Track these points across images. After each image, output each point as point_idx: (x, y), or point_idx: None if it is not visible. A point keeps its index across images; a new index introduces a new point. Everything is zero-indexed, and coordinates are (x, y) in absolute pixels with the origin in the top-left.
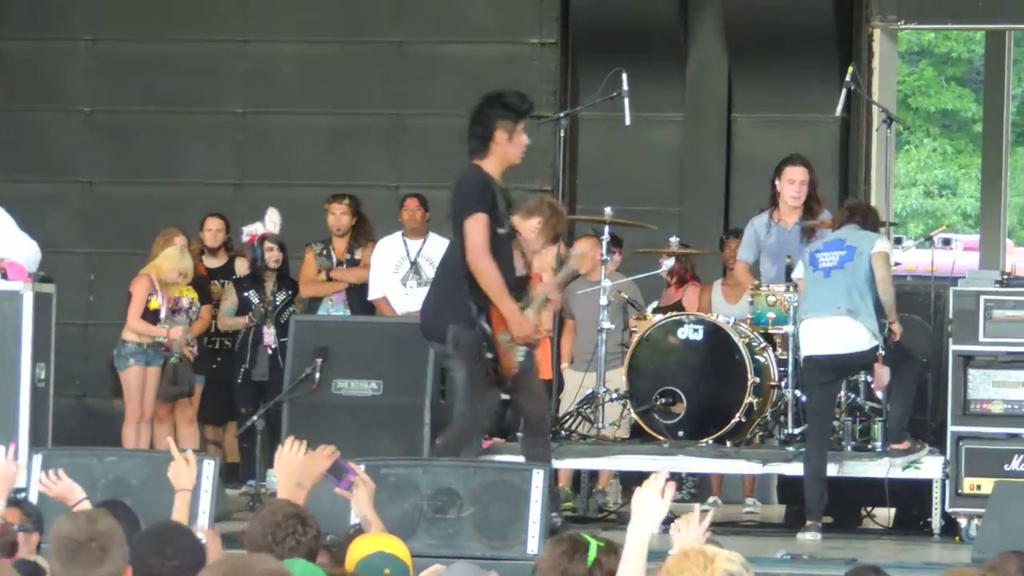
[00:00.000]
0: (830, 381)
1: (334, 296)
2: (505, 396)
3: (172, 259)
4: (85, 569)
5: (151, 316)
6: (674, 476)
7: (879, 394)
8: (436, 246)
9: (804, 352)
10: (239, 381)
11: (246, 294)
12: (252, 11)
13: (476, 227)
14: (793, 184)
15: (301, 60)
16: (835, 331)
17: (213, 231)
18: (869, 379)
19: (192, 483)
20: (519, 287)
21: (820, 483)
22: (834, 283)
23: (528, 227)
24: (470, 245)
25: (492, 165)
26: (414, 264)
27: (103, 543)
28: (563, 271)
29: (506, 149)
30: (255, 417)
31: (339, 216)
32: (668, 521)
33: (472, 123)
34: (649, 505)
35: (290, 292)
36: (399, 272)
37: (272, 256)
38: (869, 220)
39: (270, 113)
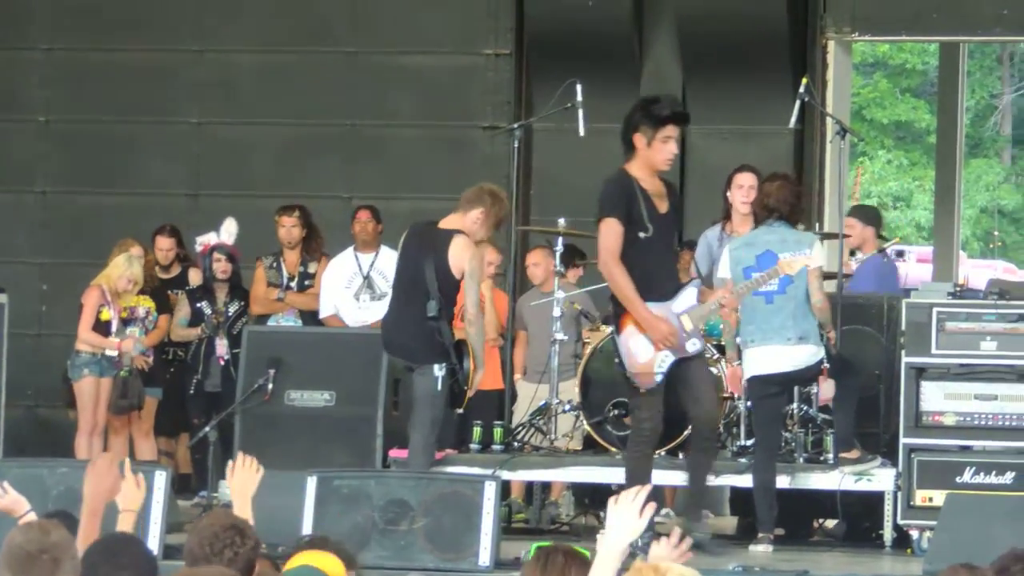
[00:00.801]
0: (775, 394)
1: None
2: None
3: (120, 267)
4: None
5: (102, 327)
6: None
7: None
8: (388, 259)
9: (749, 373)
10: (191, 392)
11: (199, 305)
12: (208, 21)
13: (606, 232)
14: (742, 189)
15: (256, 70)
16: (784, 355)
17: (164, 251)
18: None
19: (138, 504)
20: None
21: (769, 495)
22: (778, 310)
23: (470, 219)
24: (599, 250)
25: (638, 169)
26: (367, 278)
27: (55, 554)
28: (742, 285)
29: (646, 155)
30: (207, 428)
31: (289, 229)
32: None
33: (622, 127)
34: (626, 520)
35: (243, 303)
36: (352, 287)
37: (220, 267)
38: (795, 212)
39: (225, 123)
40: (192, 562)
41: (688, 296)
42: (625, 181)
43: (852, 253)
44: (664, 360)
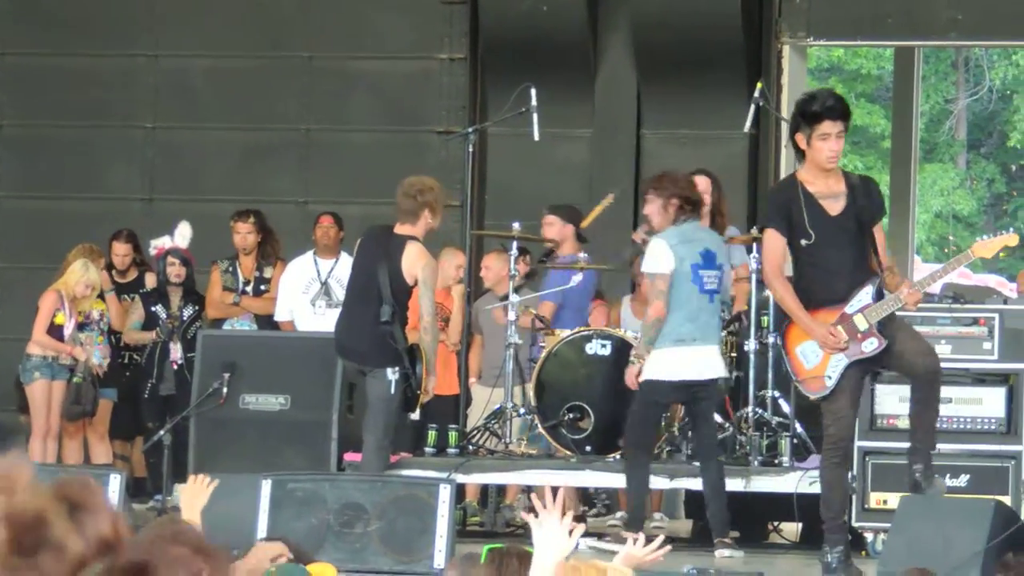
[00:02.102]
0: (672, 402)
1: None
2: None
3: (76, 273)
4: None
5: (56, 331)
6: (583, 491)
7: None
8: (347, 266)
9: (670, 375)
10: (146, 396)
11: (153, 308)
12: (163, 26)
13: (765, 243)
14: None
15: (212, 75)
16: (712, 359)
17: (121, 256)
18: (776, 394)
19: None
20: None
21: (643, 493)
22: (715, 309)
23: (421, 225)
24: (762, 262)
25: (807, 172)
26: (324, 285)
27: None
28: (927, 277)
29: (810, 155)
30: (162, 432)
31: (244, 235)
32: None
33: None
34: (553, 540)
35: (197, 308)
36: (309, 292)
37: (173, 271)
38: (699, 207)
39: (180, 128)
40: None
41: (864, 295)
42: (788, 187)
43: (549, 253)
44: (837, 364)
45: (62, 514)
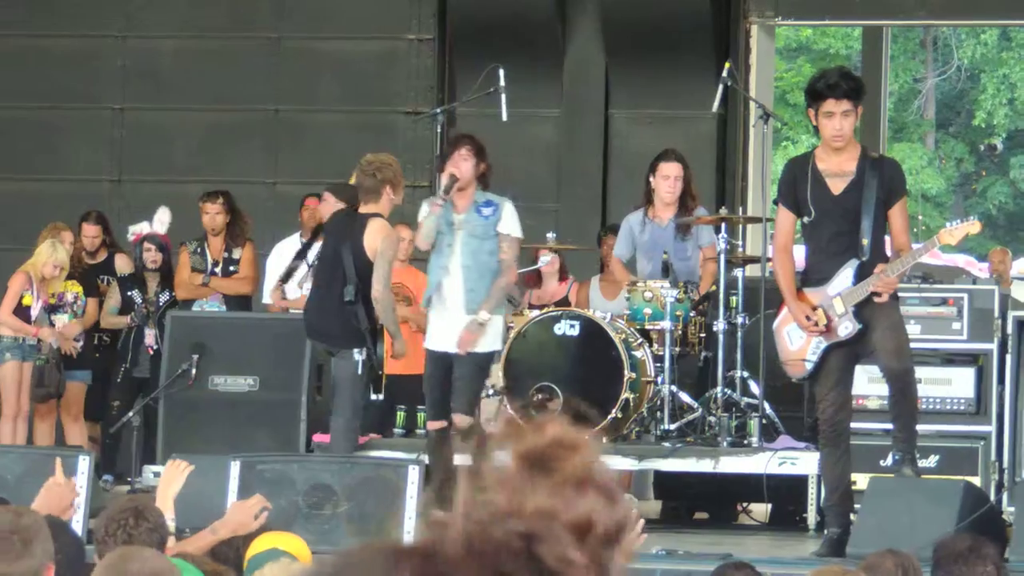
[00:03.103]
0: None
1: None
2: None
3: (44, 254)
4: (5, 563)
5: (23, 312)
6: None
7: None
8: None
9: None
10: (119, 380)
11: (129, 293)
12: (131, 6)
13: (776, 221)
14: (667, 180)
15: (179, 55)
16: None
17: (91, 237)
18: (745, 375)
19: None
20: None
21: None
22: None
23: (384, 203)
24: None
25: (821, 149)
26: (311, 266)
27: (26, 537)
28: (898, 262)
29: (821, 132)
30: (131, 413)
31: (213, 215)
32: None
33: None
34: None
35: (173, 293)
36: (296, 274)
37: (150, 257)
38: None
39: (148, 109)
40: (96, 544)
41: (843, 277)
42: (798, 164)
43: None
44: (817, 348)
45: None
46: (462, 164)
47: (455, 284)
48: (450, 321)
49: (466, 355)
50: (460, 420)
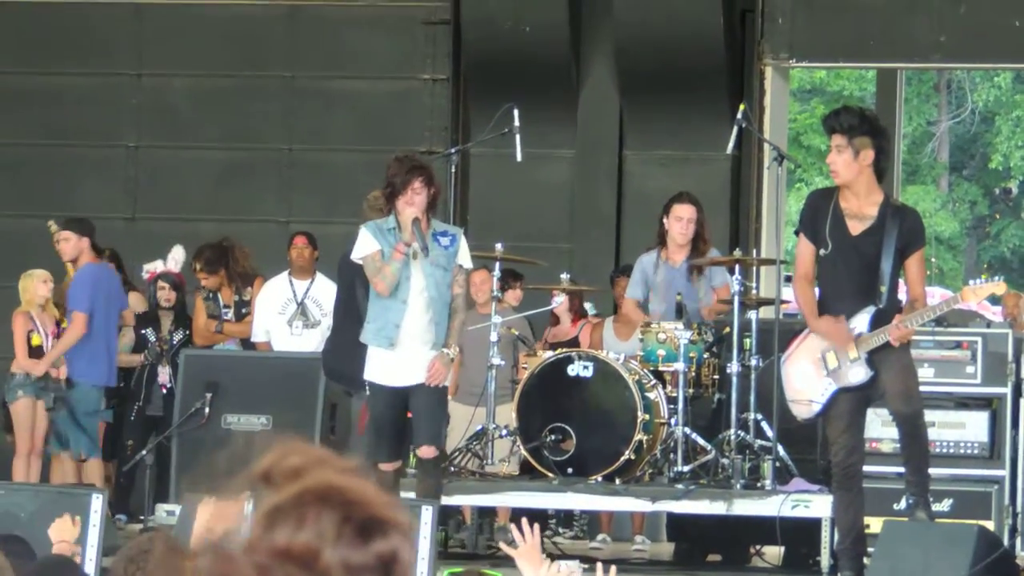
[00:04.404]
0: None
1: None
2: None
3: (28, 290)
4: None
5: (36, 352)
6: (564, 514)
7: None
8: (323, 287)
9: None
10: (132, 418)
11: (143, 331)
12: (145, 45)
13: (796, 251)
14: (680, 222)
15: (194, 94)
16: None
17: None
18: (758, 417)
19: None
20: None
21: None
22: None
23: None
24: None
25: (845, 188)
26: (301, 305)
27: None
28: (916, 314)
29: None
30: (144, 452)
31: (207, 278)
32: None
33: None
34: (533, 567)
35: (187, 332)
36: (285, 313)
37: (164, 295)
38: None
39: (162, 147)
40: None
41: (859, 322)
42: (822, 197)
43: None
44: (826, 390)
45: None
46: (417, 199)
47: (416, 317)
48: (407, 356)
49: (428, 387)
50: (427, 452)
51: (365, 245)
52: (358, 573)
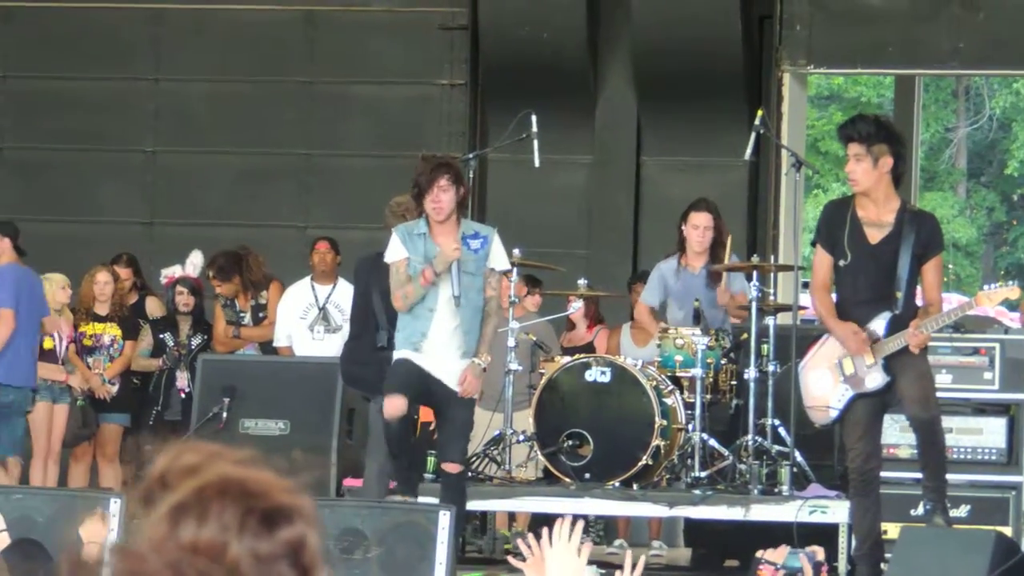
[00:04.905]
0: None
1: None
2: None
3: (46, 294)
4: None
5: (49, 356)
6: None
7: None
8: (345, 292)
9: None
10: (151, 423)
11: (162, 336)
12: (163, 49)
13: (814, 261)
14: (697, 229)
15: (212, 99)
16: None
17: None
18: (776, 422)
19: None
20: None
21: None
22: None
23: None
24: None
25: (862, 196)
26: (322, 310)
27: None
28: (931, 320)
29: None
30: None
31: (221, 286)
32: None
33: None
34: (564, 563)
35: (206, 337)
36: (307, 318)
37: (182, 300)
38: None
39: (180, 152)
40: None
41: (876, 328)
42: (838, 207)
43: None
44: (843, 396)
45: None
46: (443, 196)
47: (443, 325)
48: (435, 364)
49: (460, 398)
50: (453, 468)
51: (393, 252)
52: (268, 563)
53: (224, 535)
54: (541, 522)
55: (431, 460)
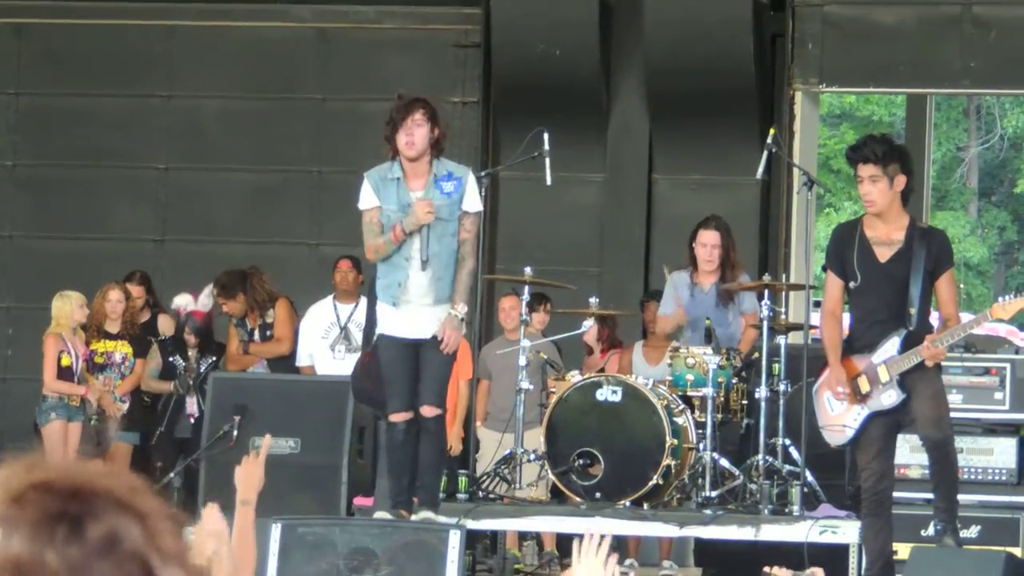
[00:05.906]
0: None
1: None
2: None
3: (62, 311)
4: None
5: (66, 373)
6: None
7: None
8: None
9: None
10: (160, 440)
11: (171, 359)
12: (176, 66)
13: (824, 287)
14: (705, 248)
15: (224, 116)
16: None
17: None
18: (787, 442)
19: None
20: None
21: None
22: None
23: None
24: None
25: (870, 216)
26: (344, 329)
27: None
28: (947, 333)
29: None
30: (172, 474)
31: (225, 303)
32: None
33: None
34: (592, 573)
35: (215, 358)
36: (328, 337)
37: (190, 340)
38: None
39: (193, 169)
40: None
41: (889, 346)
42: (846, 230)
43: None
44: (858, 415)
45: None
46: (416, 131)
47: (417, 274)
48: (412, 313)
49: (437, 346)
50: (430, 411)
51: (365, 199)
52: (88, 569)
53: (34, 546)
54: (568, 543)
55: (463, 480)
